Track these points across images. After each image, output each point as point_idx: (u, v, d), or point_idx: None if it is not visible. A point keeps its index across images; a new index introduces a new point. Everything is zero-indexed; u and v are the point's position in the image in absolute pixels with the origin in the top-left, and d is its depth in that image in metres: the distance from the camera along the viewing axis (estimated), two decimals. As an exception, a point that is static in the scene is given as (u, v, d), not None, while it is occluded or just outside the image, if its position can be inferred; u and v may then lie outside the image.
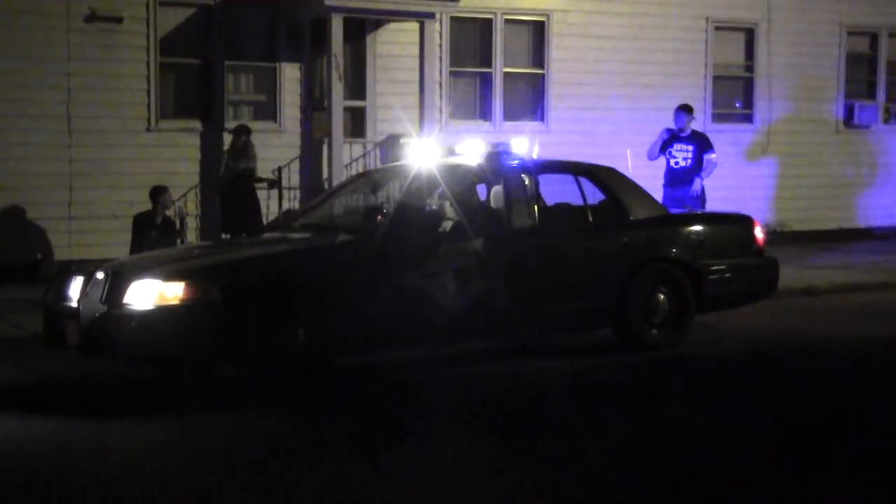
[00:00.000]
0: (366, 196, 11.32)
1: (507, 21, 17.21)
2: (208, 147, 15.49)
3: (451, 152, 10.48)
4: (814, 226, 19.28)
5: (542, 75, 17.46)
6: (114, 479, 6.26)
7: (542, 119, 17.42)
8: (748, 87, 19.07)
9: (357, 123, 16.43)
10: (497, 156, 9.96)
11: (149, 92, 15.18)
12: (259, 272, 8.56)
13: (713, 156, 13.83)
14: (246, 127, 14.62)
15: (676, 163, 13.79)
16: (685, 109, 14.04)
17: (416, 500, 5.86)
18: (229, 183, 14.34)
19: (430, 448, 6.87)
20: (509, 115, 17.20)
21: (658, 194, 12.74)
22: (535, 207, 9.76)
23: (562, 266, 9.70)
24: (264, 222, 14.14)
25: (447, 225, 9.62)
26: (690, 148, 13.79)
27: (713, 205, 13.88)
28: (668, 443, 6.89)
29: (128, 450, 6.91)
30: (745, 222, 10.95)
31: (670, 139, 13.90)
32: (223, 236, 14.17)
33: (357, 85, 16.42)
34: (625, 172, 10.72)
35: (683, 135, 13.89)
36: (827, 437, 7.02)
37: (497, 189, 9.71)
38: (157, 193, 12.80)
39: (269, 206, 15.10)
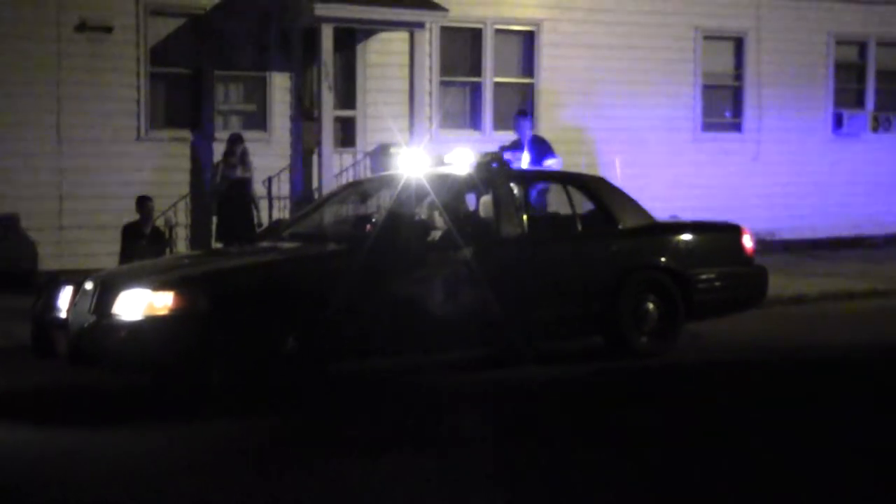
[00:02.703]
0: (356, 205, 11.34)
1: (497, 31, 17.25)
2: (198, 156, 15.49)
3: (441, 162, 10.51)
4: (803, 234, 19.33)
5: (532, 84, 17.50)
6: (103, 485, 6.26)
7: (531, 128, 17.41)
8: (738, 95, 19.14)
9: (347, 133, 16.46)
10: (486, 165, 9.99)
11: (139, 101, 15.19)
12: (249, 281, 8.57)
13: (552, 161, 12.74)
14: (240, 136, 14.64)
15: None
16: (522, 114, 13.17)
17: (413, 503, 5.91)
18: (225, 192, 14.34)
19: (425, 452, 6.88)
20: (499, 124, 17.23)
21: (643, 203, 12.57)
22: (525, 216, 9.80)
23: (551, 274, 9.72)
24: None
25: (437, 234, 9.64)
26: (526, 156, 12.75)
27: (705, 214, 13.82)
28: (659, 451, 6.90)
29: (117, 456, 6.91)
30: (734, 231, 10.98)
31: (510, 150, 12.64)
32: (216, 245, 14.17)
33: (347, 94, 16.44)
34: (613, 181, 10.75)
35: (523, 141, 12.98)
36: (813, 444, 7.05)
37: (486, 198, 9.74)
38: (139, 203, 12.93)
39: (261, 216, 15.09)
